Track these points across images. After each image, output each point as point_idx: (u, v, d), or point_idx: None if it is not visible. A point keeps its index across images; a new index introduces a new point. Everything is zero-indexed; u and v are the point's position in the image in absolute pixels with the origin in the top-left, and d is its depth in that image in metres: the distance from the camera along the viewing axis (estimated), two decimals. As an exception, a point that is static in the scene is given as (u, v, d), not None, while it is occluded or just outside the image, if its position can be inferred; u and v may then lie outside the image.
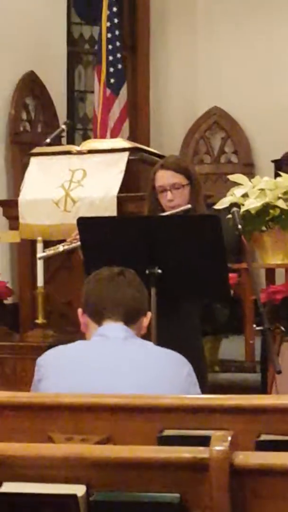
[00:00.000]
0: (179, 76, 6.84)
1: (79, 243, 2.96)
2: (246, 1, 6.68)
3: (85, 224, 2.77)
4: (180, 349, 2.14)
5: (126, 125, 5.81)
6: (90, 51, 6.66)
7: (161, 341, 2.37)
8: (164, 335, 2.59)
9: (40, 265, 3.81)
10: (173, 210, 2.93)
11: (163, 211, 2.96)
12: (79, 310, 2.17)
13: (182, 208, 2.92)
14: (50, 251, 3.30)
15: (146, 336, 2.21)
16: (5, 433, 1.73)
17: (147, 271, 2.62)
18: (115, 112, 5.74)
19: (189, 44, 6.86)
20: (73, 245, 3.09)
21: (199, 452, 1.38)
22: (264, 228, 3.84)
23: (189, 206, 2.93)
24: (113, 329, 2.07)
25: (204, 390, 2.18)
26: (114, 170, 4.04)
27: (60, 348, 2.11)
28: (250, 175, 4.61)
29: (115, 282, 2.11)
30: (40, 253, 3.61)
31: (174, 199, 2.93)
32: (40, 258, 3.64)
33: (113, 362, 2.00)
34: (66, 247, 3.16)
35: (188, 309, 2.94)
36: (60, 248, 3.18)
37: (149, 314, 2.18)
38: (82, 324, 2.17)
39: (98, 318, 2.10)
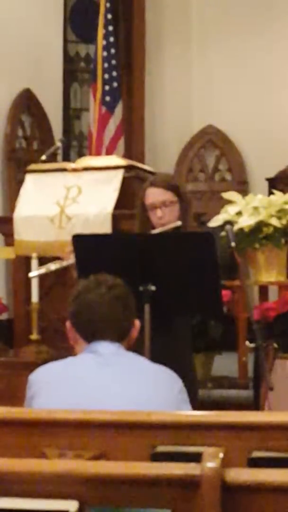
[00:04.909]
0: (174, 94, 6.90)
1: (70, 261, 2.97)
2: (241, 21, 6.75)
3: (80, 241, 2.79)
4: (172, 365, 2.15)
5: (121, 142, 5.84)
6: (86, 69, 6.71)
7: (154, 357, 2.38)
8: (157, 352, 2.60)
9: (34, 281, 3.82)
10: (164, 227, 2.94)
11: (153, 228, 2.97)
12: (67, 324, 2.17)
13: (172, 225, 2.94)
14: (42, 270, 3.31)
15: (139, 352, 2.22)
16: (-2, 449, 1.73)
17: (141, 288, 2.63)
18: (110, 129, 5.78)
19: (184, 63, 6.92)
20: (65, 263, 3.11)
21: (191, 468, 1.39)
22: (257, 245, 3.86)
23: (179, 223, 2.94)
24: (105, 345, 2.07)
25: (194, 406, 2.19)
26: (109, 188, 4.06)
27: (52, 365, 2.10)
28: (244, 193, 4.63)
29: (105, 301, 2.09)
30: (32, 272, 3.63)
31: (164, 216, 2.95)
32: (32, 277, 3.66)
33: (105, 378, 2.01)
34: (57, 265, 3.17)
35: (180, 326, 2.95)
36: (52, 266, 3.19)
37: (137, 323, 2.17)
38: (70, 338, 2.17)
39: (90, 337, 2.10)
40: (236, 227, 3.71)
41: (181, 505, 1.39)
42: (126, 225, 3.92)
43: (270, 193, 4.58)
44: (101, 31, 5.82)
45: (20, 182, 4.40)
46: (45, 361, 2.45)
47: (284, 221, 3.82)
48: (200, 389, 3.62)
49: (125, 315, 2.11)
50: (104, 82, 5.80)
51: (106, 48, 5.82)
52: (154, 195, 2.98)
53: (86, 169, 4.19)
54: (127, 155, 5.69)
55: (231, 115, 6.68)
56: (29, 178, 4.28)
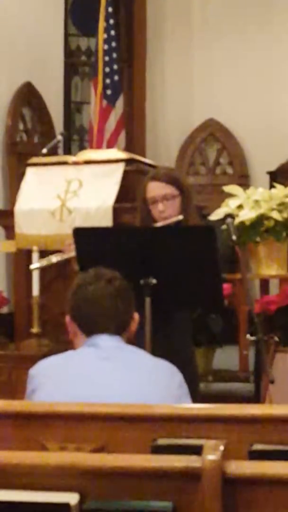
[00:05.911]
0: (175, 88, 6.89)
1: (71, 253, 2.97)
2: (242, 15, 6.73)
3: (81, 235, 2.79)
4: (173, 358, 2.15)
5: (122, 136, 5.84)
6: (87, 62, 6.70)
7: (155, 351, 2.38)
8: (157, 345, 2.61)
9: (35, 274, 3.83)
10: (165, 221, 2.94)
11: (155, 222, 2.97)
12: (67, 317, 2.17)
13: (173, 219, 2.93)
14: (43, 262, 3.31)
15: (139, 345, 2.22)
16: (-1, 441, 1.74)
17: (142, 281, 2.63)
18: (111, 123, 5.77)
19: (185, 56, 6.91)
20: (66, 256, 3.11)
21: (192, 461, 1.40)
22: (258, 239, 3.86)
23: (180, 217, 2.94)
24: (105, 339, 2.08)
25: (195, 399, 2.19)
26: (110, 181, 4.06)
27: (52, 359, 2.11)
28: (245, 186, 4.63)
29: (105, 294, 2.09)
30: (33, 264, 3.63)
31: (166, 210, 2.94)
32: (33, 269, 3.66)
33: (105, 372, 2.01)
34: (59, 258, 3.17)
35: (180, 319, 2.96)
36: (53, 259, 3.19)
37: (136, 316, 2.17)
38: (70, 331, 2.17)
39: (89, 331, 2.10)
40: (237, 221, 3.71)
41: (182, 498, 1.39)
42: (127, 218, 3.91)
43: (271, 186, 4.58)
44: (102, 25, 5.81)
45: (21, 175, 4.39)
46: (46, 355, 2.46)
47: (285, 215, 3.82)
48: (201, 382, 3.63)
49: (124, 308, 2.11)
50: (105, 76, 5.79)
51: (107, 41, 5.81)
52: (155, 189, 2.98)
53: (87, 162, 4.18)
54: (128, 148, 5.69)
55: (232, 108, 6.67)
56: (30, 172, 4.28)
